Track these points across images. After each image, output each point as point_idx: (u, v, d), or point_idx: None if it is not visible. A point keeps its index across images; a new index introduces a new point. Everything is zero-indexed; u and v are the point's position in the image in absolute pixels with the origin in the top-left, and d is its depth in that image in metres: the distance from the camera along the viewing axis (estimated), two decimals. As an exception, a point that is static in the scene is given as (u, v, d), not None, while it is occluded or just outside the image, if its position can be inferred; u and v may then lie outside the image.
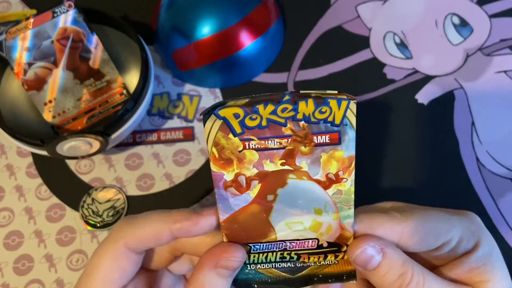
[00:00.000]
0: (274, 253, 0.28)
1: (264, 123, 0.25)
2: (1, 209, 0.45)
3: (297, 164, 0.26)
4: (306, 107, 0.25)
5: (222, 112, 0.25)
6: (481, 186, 0.45)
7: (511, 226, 0.43)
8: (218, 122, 0.25)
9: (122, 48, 0.47)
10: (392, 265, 0.27)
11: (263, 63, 0.51)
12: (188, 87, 0.51)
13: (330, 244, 0.28)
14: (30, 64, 0.44)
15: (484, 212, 0.44)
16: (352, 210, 0.27)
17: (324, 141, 0.25)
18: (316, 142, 0.25)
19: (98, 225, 0.44)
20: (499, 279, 0.28)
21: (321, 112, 0.25)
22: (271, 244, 0.28)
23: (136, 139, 0.48)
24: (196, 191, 0.46)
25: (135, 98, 0.43)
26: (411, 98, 0.49)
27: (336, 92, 0.25)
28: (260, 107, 0.25)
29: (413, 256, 0.30)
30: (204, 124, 0.25)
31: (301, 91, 0.25)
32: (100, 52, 0.45)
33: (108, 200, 0.45)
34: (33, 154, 0.48)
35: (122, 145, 0.48)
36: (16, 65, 0.44)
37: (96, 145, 0.41)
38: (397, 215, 0.28)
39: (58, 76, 0.45)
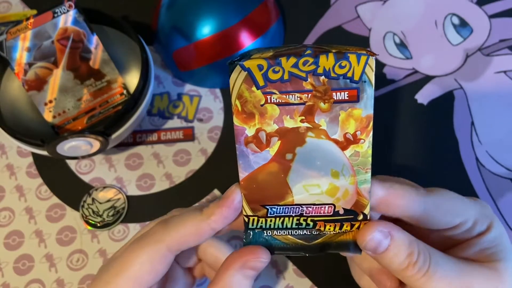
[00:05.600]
0: (291, 218, 0.28)
1: (286, 76, 0.25)
2: (2, 209, 0.45)
3: (316, 122, 0.26)
4: (326, 61, 0.25)
5: (247, 63, 0.25)
6: (480, 186, 0.45)
7: (511, 225, 0.43)
8: (243, 74, 0.25)
9: (122, 48, 0.47)
10: (400, 246, 0.27)
11: (263, 63, 0.51)
12: (188, 87, 0.51)
13: (346, 212, 0.28)
14: (30, 64, 0.44)
15: (484, 212, 0.44)
16: (369, 174, 0.27)
17: (343, 98, 0.25)
18: (335, 98, 0.25)
19: (99, 225, 0.44)
20: (510, 260, 0.29)
21: (340, 67, 0.25)
22: (288, 208, 0.28)
23: (136, 139, 0.48)
24: (196, 191, 0.46)
25: (135, 98, 0.43)
26: (410, 98, 0.49)
27: (357, 48, 0.25)
28: (283, 60, 0.25)
29: (429, 237, 0.30)
30: (229, 75, 0.25)
31: (323, 46, 0.25)
32: (101, 52, 0.46)
33: (108, 200, 0.45)
34: (34, 154, 0.48)
35: (122, 145, 0.48)
36: (17, 65, 0.44)
37: (97, 145, 0.42)
38: (421, 189, 0.29)
39: (59, 76, 0.45)
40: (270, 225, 0.29)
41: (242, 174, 0.28)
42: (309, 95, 0.25)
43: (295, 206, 0.28)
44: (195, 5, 0.47)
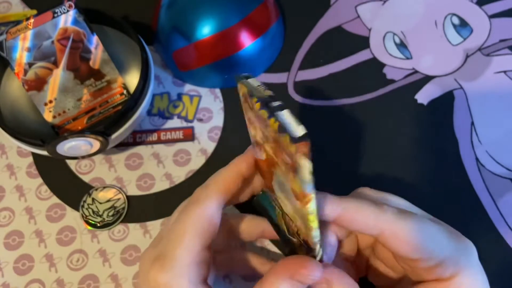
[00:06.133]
0: (278, 210, 0.32)
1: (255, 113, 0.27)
2: (2, 209, 0.45)
3: (279, 159, 0.27)
4: (273, 124, 0.24)
5: (240, 86, 0.28)
6: (480, 186, 0.45)
7: (510, 225, 0.43)
8: (243, 88, 0.27)
9: (122, 48, 0.48)
10: None
11: (263, 63, 0.51)
12: (188, 87, 0.51)
13: (303, 241, 0.29)
14: (30, 64, 0.44)
15: (484, 212, 0.44)
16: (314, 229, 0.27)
17: (288, 162, 0.25)
18: (283, 159, 0.26)
19: (98, 225, 0.44)
20: None
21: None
22: (275, 202, 0.32)
23: (136, 139, 0.48)
24: (196, 191, 0.46)
25: (135, 98, 0.43)
26: (410, 98, 0.49)
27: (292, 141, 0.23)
28: (254, 99, 0.26)
29: (397, 259, 0.31)
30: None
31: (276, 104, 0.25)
32: (101, 52, 0.46)
33: (109, 200, 0.45)
34: (34, 154, 0.48)
35: (122, 145, 0.48)
36: (17, 65, 0.44)
37: (97, 145, 0.42)
38: (387, 209, 0.29)
39: (59, 76, 0.45)
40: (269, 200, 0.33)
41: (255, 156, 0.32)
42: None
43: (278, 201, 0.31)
44: (195, 5, 0.47)
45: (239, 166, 0.33)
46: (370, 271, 0.36)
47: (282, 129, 0.23)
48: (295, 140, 0.22)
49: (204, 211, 0.31)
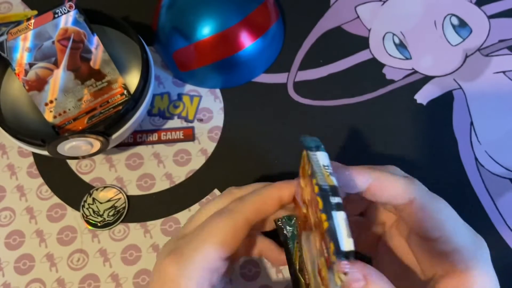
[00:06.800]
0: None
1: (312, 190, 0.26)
2: (2, 208, 0.45)
3: (318, 240, 0.26)
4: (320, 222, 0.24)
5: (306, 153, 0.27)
6: (479, 186, 0.45)
7: (510, 225, 0.44)
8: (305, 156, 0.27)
9: (122, 49, 0.48)
10: None
11: (263, 64, 0.51)
12: (188, 88, 0.51)
13: None
14: (31, 65, 0.44)
15: (483, 211, 0.44)
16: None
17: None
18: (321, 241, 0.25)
19: (99, 224, 0.44)
20: None
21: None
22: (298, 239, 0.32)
23: (136, 139, 0.48)
24: (196, 191, 0.46)
25: (136, 98, 0.43)
26: (410, 98, 0.49)
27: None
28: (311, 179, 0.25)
29: (409, 240, 0.31)
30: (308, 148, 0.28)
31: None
32: (101, 52, 0.46)
33: (109, 200, 0.45)
34: (34, 154, 0.48)
35: (123, 145, 0.48)
36: (17, 65, 0.44)
37: (97, 145, 0.42)
38: (415, 182, 0.30)
39: (59, 76, 0.45)
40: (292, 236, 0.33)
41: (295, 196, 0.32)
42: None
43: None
44: (195, 6, 0.47)
45: (281, 191, 0.32)
46: (375, 263, 0.36)
47: (331, 233, 0.22)
48: (340, 254, 0.22)
49: (233, 225, 0.31)
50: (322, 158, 0.25)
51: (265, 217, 0.33)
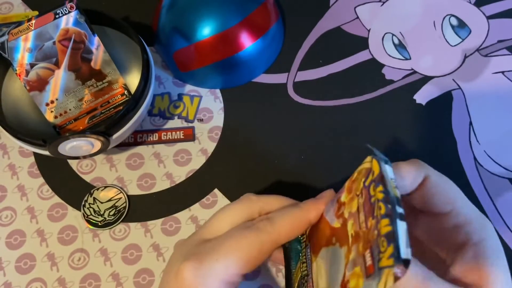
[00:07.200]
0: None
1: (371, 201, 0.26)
2: (4, 208, 0.46)
3: (356, 249, 0.27)
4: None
5: (374, 164, 0.28)
6: (479, 186, 0.45)
7: (509, 225, 0.44)
8: (376, 168, 0.27)
9: (123, 49, 0.48)
10: (411, 281, 0.26)
11: (263, 64, 0.51)
12: (188, 88, 0.51)
13: None
14: (32, 65, 0.45)
15: (482, 211, 0.44)
16: None
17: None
18: (360, 254, 0.26)
19: (100, 224, 0.45)
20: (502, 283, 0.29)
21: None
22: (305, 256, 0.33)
23: (137, 139, 0.48)
24: (196, 191, 0.46)
25: (136, 98, 0.43)
26: (409, 98, 0.50)
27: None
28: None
29: (417, 226, 0.32)
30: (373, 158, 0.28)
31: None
32: (102, 53, 0.46)
33: (110, 200, 0.46)
34: (35, 154, 0.48)
35: (123, 145, 0.48)
36: (18, 65, 0.44)
37: (98, 145, 0.42)
38: (420, 162, 0.30)
39: (60, 76, 0.45)
40: (302, 258, 0.33)
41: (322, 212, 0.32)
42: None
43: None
44: (196, 6, 0.48)
45: (310, 215, 0.32)
46: None
47: (391, 237, 0.23)
48: (398, 260, 0.22)
49: (260, 245, 0.31)
50: (390, 171, 0.26)
51: (290, 239, 0.33)
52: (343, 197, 0.30)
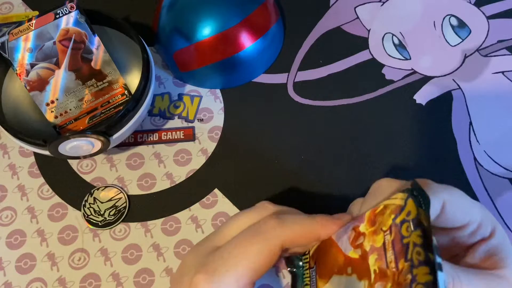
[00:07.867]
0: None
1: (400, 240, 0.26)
2: (4, 208, 0.46)
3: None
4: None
5: (410, 204, 0.27)
6: (478, 186, 0.45)
7: (509, 225, 0.44)
8: (412, 209, 0.26)
9: (123, 49, 0.48)
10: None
11: (263, 64, 0.51)
12: (188, 88, 0.51)
13: None
14: (32, 65, 0.45)
15: (482, 211, 0.44)
16: None
17: None
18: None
19: (100, 224, 0.45)
20: None
21: None
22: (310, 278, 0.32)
23: (137, 139, 0.48)
24: (196, 191, 0.46)
25: (137, 98, 0.43)
26: (409, 98, 0.50)
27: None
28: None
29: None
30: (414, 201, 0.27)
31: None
32: (102, 53, 0.46)
33: (110, 200, 0.46)
34: (35, 154, 0.48)
35: (124, 145, 0.48)
36: (19, 65, 0.44)
37: (98, 145, 0.42)
38: (435, 184, 0.29)
39: (60, 76, 0.45)
40: (306, 277, 0.33)
41: (332, 236, 0.31)
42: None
43: None
44: (196, 6, 0.48)
45: (323, 230, 0.32)
46: None
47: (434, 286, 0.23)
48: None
49: (268, 251, 0.31)
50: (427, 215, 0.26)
51: (297, 247, 0.33)
52: (363, 227, 0.29)
